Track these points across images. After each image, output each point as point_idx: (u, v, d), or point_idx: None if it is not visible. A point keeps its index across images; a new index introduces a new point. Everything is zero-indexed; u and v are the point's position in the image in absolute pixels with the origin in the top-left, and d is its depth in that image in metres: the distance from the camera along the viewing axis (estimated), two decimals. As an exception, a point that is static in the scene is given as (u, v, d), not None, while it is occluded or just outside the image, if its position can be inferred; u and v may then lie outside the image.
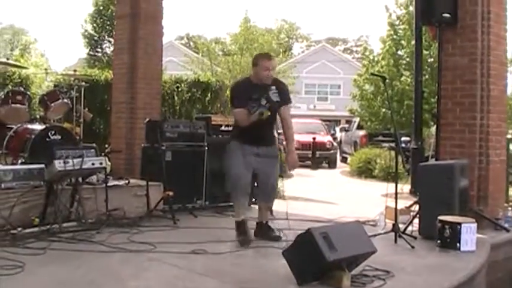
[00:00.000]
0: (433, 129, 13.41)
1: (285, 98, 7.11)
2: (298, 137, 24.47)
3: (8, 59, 13.60)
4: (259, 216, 7.46)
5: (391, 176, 9.67)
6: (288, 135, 7.31)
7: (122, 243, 6.63)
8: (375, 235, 7.17)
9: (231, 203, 9.85)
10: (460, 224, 6.82)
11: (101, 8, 26.05)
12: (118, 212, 7.98)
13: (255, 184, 7.79)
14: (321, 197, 12.62)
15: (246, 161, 6.99)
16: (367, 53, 26.22)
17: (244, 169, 6.97)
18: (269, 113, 6.87)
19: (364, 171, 19.20)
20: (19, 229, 6.80)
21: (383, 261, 5.92)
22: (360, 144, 24.41)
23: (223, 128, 10.26)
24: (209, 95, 16.19)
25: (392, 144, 10.05)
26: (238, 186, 7.00)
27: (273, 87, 6.88)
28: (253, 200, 8.69)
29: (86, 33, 27.75)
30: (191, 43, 57.88)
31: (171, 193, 8.50)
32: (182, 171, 9.13)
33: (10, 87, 9.55)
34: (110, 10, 23.56)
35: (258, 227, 7.41)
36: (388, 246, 6.93)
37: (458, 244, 6.79)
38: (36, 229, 6.91)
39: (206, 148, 9.65)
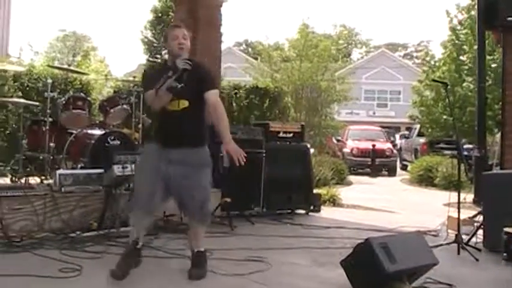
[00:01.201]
0: (498, 136, 13.12)
1: (208, 80, 5.61)
2: (358, 144, 24.45)
3: (69, 65, 13.82)
4: (192, 245, 5.83)
5: (453, 185, 9.49)
6: (221, 126, 5.46)
7: (179, 249, 6.59)
8: (437, 246, 6.97)
9: (289, 210, 9.89)
10: (527, 236, 6.58)
11: (160, 14, 26.30)
12: (175, 217, 7.98)
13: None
14: (380, 205, 12.44)
15: (154, 168, 5.44)
16: (428, 58, 25.90)
17: (147, 179, 5.48)
18: (179, 86, 5.32)
19: (425, 179, 18.89)
20: (78, 233, 6.93)
21: (445, 273, 5.77)
22: (421, 151, 24.10)
23: (281, 134, 10.19)
24: (267, 101, 16.14)
25: (455, 152, 9.82)
26: (136, 201, 5.61)
27: (182, 56, 5.45)
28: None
29: (146, 40, 28.06)
30: (250, 49, 58.01)
31: (228, 200, 8.49)
32: (240, 177, 9.07)
33: (71, 92, 9.64)
34: (169, 16, 23.71)
35: (194, 257, 5.80)
36: (450, 258, 6.74)
37: (525, 258, 6.52)
38: (94, 233, 7.02)
39: (264, 155, 9.59)
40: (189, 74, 5.37)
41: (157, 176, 5.41)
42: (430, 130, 23.94)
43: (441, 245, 7.20)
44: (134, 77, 10.75)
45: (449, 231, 8.05)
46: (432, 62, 25.12)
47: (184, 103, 5.46)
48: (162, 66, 5.98)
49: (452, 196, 7.41)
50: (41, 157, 8.84)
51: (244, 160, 5.29)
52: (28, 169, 8.83)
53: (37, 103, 10.08)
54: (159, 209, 5.89)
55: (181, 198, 5.64)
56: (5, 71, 11.09)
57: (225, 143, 5.44)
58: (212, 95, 5.51)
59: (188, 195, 5.55)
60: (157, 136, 5.64)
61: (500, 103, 9.10)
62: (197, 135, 5.66)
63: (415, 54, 73.93)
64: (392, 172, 24.38)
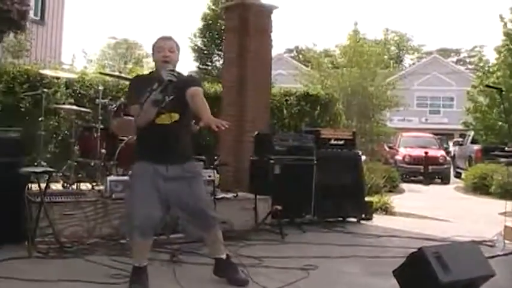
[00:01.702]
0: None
1: (192, 82, 5.46)
2: (410, 151, 24.25)
3: (120, 72, 13.89)
4: (211, 251, 5.77)
5: (509, 193, 9.29)
6: (199, 106, 5.14)
7: (229, 257, 6.58)
8: (493, 257, 6.74)
9: (340, 218, 9.80)
10: None
11: (210, 22, 26.43)
12: (225, 224, 7.95)
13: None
14: (433, 214, 12.26)
15: (149, 187, 5.19)
16: (481, 64, 25.54)
17: (144, 200, 5.14)
18: (168, 98, 5.13)
19: (480, 187, 18.58)
20: (127, 239, 6.89)
21: (502, 286, 5.64)
22: (475, 159, 23.71)
23: (332, 141, 10.12)
24: (318, 108, 16.04)
25: (511, 160, 9.62)
26: (134, 223, 5.15)
27: (167, 68, 5.20)
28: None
29: (196, 47, 28.18)
30: (300, 56, 57.99)
31: (279, 207, 8.43)
32: (291, 184, 9.04)
33: (122, 99, 9.66)
34: (218, 24, 23.85)
35: (216, 263, 5.70)
36: (507, 270, 6.56)
37: None
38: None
39: (315, 162, 9.52)
40: (176, 85, 5.16)
41: (154, 195, 5.17)
42: (484, 137, 23.59)
43: (498, 255, 7.02)
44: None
45: (506, 241, 7.86)
46: (486, 68, 24.74)
47: (175, 116, 5.26)
48: (147, 77, 5.71)
49: (509, 205, 7.25)
50: (92, 163, 8.89)
51: (226, 126, 4.93)
52: (79, 175, 8.89)
53: (89, 110, 10.15)
54: (158, 229, 5.50)
55: (185, 214, 5.49)
56: (58, 78, 11.20)
57: (204, 118, 5.01)
58: (192, 89, 5.26)
59: (191, 207, 5.40)
60: (146, 152, 5.33)
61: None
62: (189, 147, 5.57)
63: (468, 59, 73.07)
64: (445, 180, 24.11)
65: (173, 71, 5.19)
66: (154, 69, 5.59)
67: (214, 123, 4.95)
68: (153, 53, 5.50)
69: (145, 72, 9.09)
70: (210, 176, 7.75)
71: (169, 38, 5.50)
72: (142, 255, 5.34)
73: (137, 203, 5.16)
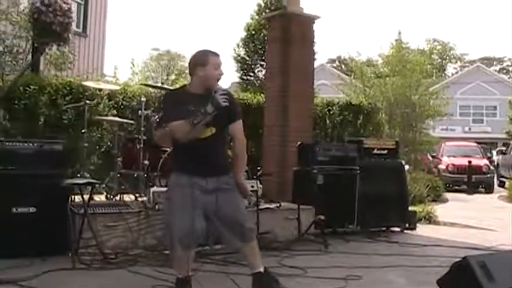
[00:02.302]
0: None
1: (235, 110, 5.40)
2: (453, 160, 24.04)
3: (162, 83, 13.94)
4: (250, 266, 5.55)
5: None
6: (239, 162, 5.45)
7: (272, 266, 6.47)
8: (538, 265, 6.68)
9: (384, 227, 9.73)
10: None
11: (253, 32, 26.38)
12: (269, 235, 7.95)
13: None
14: (477, 223, 12.11)
15: (190, 200, 5.12)
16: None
17: (186, 212, 5.09)
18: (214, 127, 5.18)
19: (525, 196, 18.36)
20: (169, 251, 6.91)
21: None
22: (519, 167, 23.45)
23: (375, 151, 10.07)
24: (361, 117, 15.96)
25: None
26: (175, 238, 5.09)
27: (220, 90, 5.12)
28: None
29: (239, 58, 28.20)
30: (343, 66, 57.83)
31: (322, 217, 8.40)
32: (334, 195, 9.01)
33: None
34: (261, 34, 23.82)
35: (254, 279, 5.51)
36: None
37: None
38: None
39: (358, 172, 9.48)
40: (221, 96, 5.05)
41: (195, 207, 5.10)
42: (528, 145, 23.31)
43: (544, 264, 6.90)
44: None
45: (551, 250, 7.73)
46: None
47: (212, 129, 5.18)
48: (183, 93, 5.42)
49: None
50: (135, 175, 8.94)
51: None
52: (123, 187, 8.95)
53: (131, 121, 10.21)
54: (200, 240, 5.36)
55: (223, 225, 5.31)
56: (100, 89, 11.27)
57: (238, 178, 5.36)
58: (238, 129, 5.40)
59: (229, 220, 5.30)
60: (185, 165, 5.27)
61: None
62: (226, 160, 5.54)
63: (511, 68, 72.31)
64: (489, 189, 23.84)
65: (225, 93, 5.13)
66: (190, 83, 5.40)
67: (243, 191, 5.38)
68: (203, 65, 5.26)
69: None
70: (253, 187, 7.73)
71: (218, 54, 5.40)
72: (185, 266, 5.26)
73: (178, 215, 5.12)
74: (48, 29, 11.21)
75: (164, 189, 7.92)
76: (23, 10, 12.75)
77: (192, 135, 5.05)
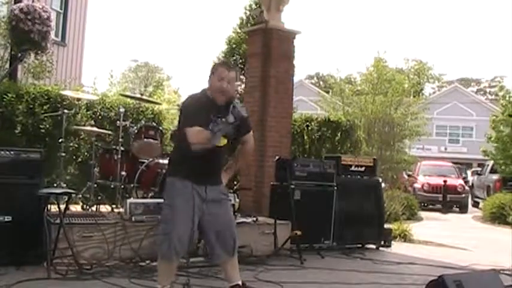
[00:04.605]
0: None
1: (248, 122, 5.34)
2: (429, 180, 24.14)
3: (142, 94, 13.93)
4: (229, 278, 5.59)
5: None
6: (242, 162, 5.77)
7: (248, 281, 6.46)
8: (512, 285, 6.73)
9: (359, 244, 9.75)
10: None
11: (234, 46, 26.45)
12: (245, 249, 7.93)
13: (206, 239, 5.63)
14: (452, 242, 12.15)
15: (191, 208, 5.18)
16: (502, 93, 25.40)
17: (188, 221, 5.16)
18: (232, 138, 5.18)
19: (498, 217, 18.39)
20: (147, 262, 6.92)
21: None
22: (494, 188, 23.56)
23: (353, 168, 10.11)
24: (339, 134, 15.99)
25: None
26: (174, 245, 5.11)
27: (238, 103, 5.08)
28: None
29: (219, 71, 28.28)
30: (321, 83, 58.02)
31: (299, 232, 8.40)
32: (310, 210, 9.03)
33: (143, 122, 9.68)
34: (242, 48, 23.90)
35: None
36: (527, 299, 6.49)
37: None
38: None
39: (335, 188, 9.51)
40: (242, 108, 5.09)
41: (194, 215, 5.17)
42: (503, 167, 23.41)
43: (517, 284, 6.94)
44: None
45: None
46: (507, 97, 24.58)
47: (224, 141, 5.11)
48: (205, 98, 5.34)
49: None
50: (112, 186, 8.91)
51: None
52: (99, 197, 8.92)
53: (109, 132, 10.18)
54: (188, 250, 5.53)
55: (217, 234, 5.36)
56: (79, 99, 11.22)
57: (229, 168, 5.60)
58: (251, 137, 5.54)
59: (224, 230, 5.39)
60: (188, 172, 5.23)
61: None
62: (221, 170, 5.58)
63: (488, 89, 72.92)
64: (463, 209, 23.99)
65: (243, 106, 5.16)
66: (206, 90, 5.40)
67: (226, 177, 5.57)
68: (211, 75, 5.35)
69: (166, 95, 9.02)
70: (230, 200, 7.72)
71: (232, 68, 5.45)
72: (171, 277, 5.35)
73: (178, 225, 5.13)
74: (27, 37, 11.18)
75: (141, 200, 7.94)
76: (2, 18, 12.70)
77: (209, 144, 4.94)
